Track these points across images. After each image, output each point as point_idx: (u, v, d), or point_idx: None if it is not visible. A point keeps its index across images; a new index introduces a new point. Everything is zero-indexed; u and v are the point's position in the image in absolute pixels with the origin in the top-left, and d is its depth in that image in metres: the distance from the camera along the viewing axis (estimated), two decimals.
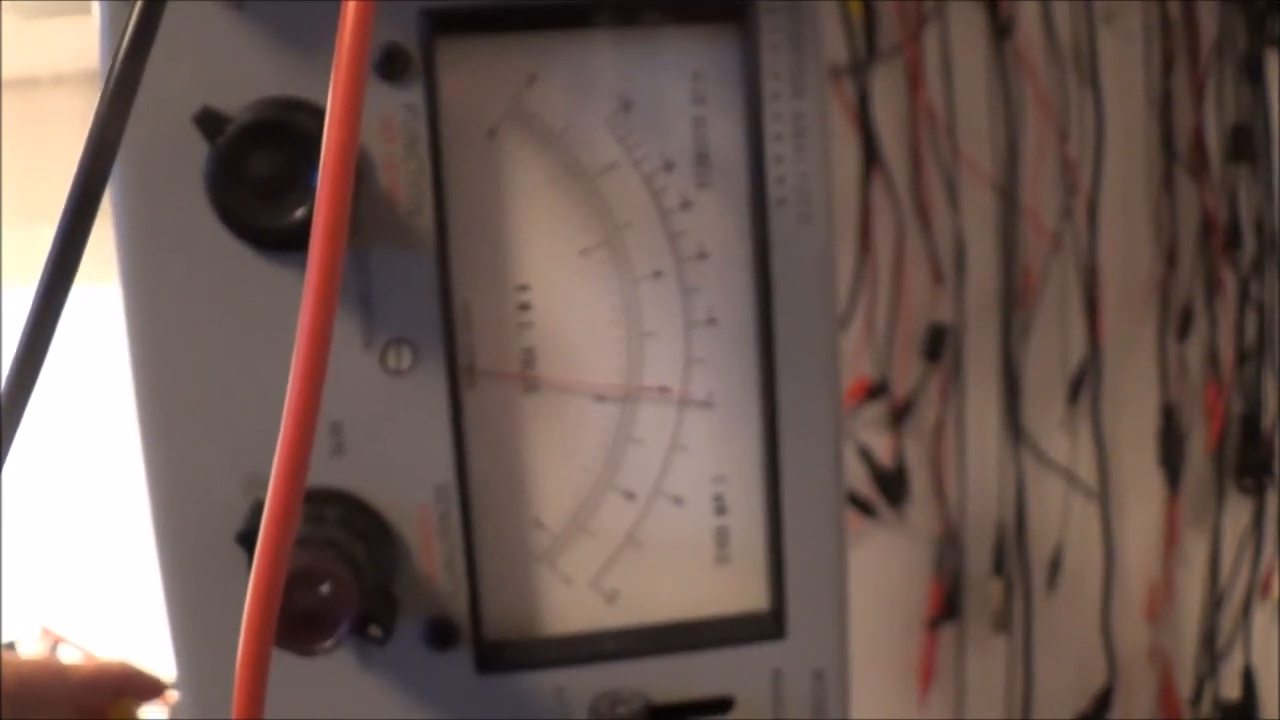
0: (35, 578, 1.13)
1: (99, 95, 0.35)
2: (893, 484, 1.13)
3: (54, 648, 1.06)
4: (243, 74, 0.44)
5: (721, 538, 0.51)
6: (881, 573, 1.15)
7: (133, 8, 0.34)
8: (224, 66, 0.44)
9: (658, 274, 0.49)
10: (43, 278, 0.34)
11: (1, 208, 1.12)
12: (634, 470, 0.50)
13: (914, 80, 1.09)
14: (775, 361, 0.49)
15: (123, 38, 0.34)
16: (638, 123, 0.48)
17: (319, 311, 0.31)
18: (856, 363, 1.10)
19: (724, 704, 0.50)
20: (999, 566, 1.16)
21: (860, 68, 1.08)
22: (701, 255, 0.49)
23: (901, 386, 1.13)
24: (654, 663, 0.50)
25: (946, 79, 1.10)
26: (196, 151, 0.43)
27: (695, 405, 0.50)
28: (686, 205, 0.49)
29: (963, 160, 1.10)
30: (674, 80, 0.48)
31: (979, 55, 1.10)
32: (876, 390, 1.12)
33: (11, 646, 1.04)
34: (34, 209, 1.13)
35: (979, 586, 1.16)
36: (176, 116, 0.43)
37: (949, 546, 1.15)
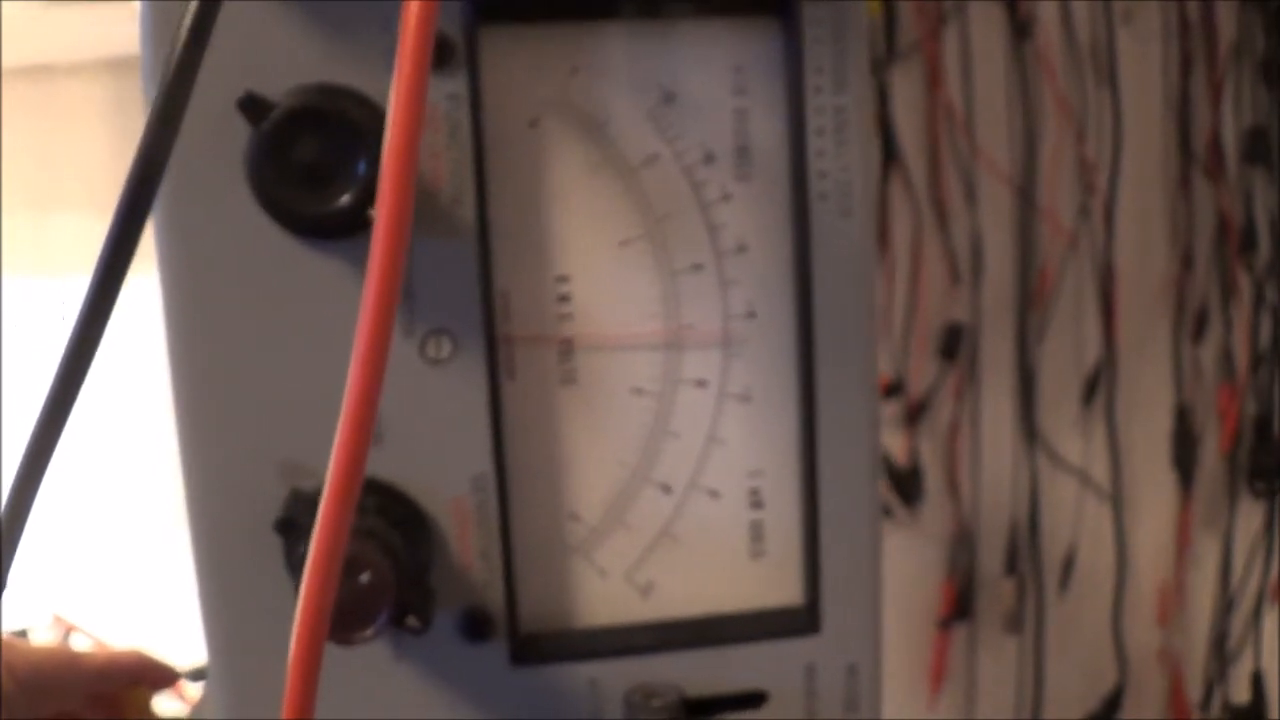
0: (47, 565, 1.13)
1: (148, 101, 0.35)
2: (907, 483, 1.13)
3: (66, 635, 1.06)
4: (285, 61, 0.44)
5: (757, 532, 0.51)
6: (894, 572, 1.14)
7: (178, 9, 0.34)
8: (266, 52, 0.44)
9: (697, 266, 0.48)
10: (93, 279, 0.34)
11: (14, 195, 1.11)
12: (670, 463, 0.50)
13: (933, 79, 1.09)
14: (814, 355, 0.49)
15: (174, 44, 0.34)
16: (679, 115, 0.48)
17: (381, 305, 0.31)
18: (877, 360, 1.10)
19: (757, 698, 0.50)
20: (1011, 567, 1.16)
21: (879, 66, 1.08)
22: (741, 248, 0.49)
23: (917, 385, 1.13)
24: (688, 656, 0.50)
25: (965, 78, 1.10)
26: (237, 138, 0.43)
27: (733, 398, 0.50)
28: (727, 198, 0.48)
29: (981, 159, 1.10)
30: (716, 73, 0.48)
31: (998, 55, 1.10)
32: (892, 389, 1.12)
33: (24, 634, 1.04)
34: (46, 197, 1.13)
35: (991, 586, 1.16)
36: (217, 102, 0.42)
37: (962, 546, 1.15)
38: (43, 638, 1.05)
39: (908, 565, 1.15)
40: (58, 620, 1.07)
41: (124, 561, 1.14)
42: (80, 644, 1.05)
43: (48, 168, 1.13)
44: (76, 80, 1.12)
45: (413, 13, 0.31)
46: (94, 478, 1.13)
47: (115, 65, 1.10)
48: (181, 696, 0.89)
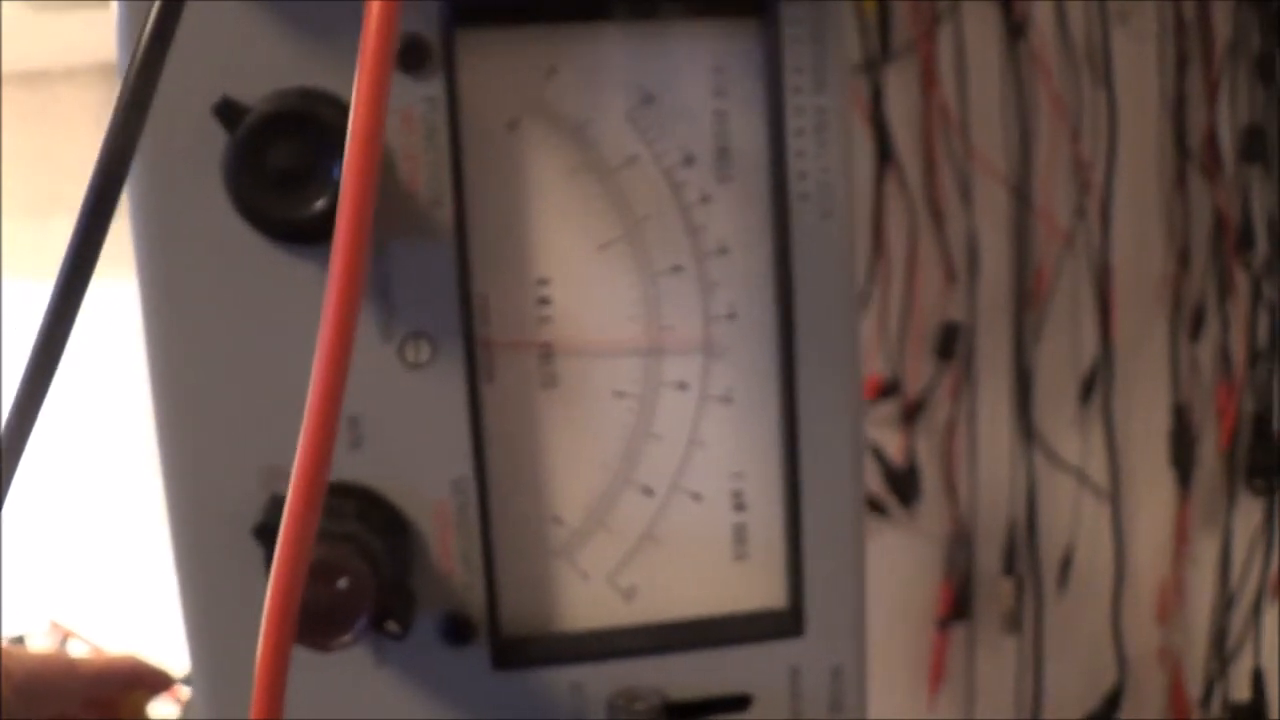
0: (44, 572, 1.13)
1: (116, 97, 0.35)
2: (904, 483, 1.13)
3: (63, 642, 1.06)
4: (261, 65, 0.44)
5: (740, 534, 0.51)
6: (892, 572, 1.14)
7: (150, 9, 0.34)
8: (242, 57, 0.44)
9: (677, 268, 0.48)
10: (60, 275, 0.34)
11: (14, 200, 1.12)
12: (652, 466, 0.49)
13: (928, 79, 1.09)
14: (795, 357, 0.48)
15: (139, 40, 0.34)
16: (658, 116, 0.48)
17: (342, 307, 0.31)
18: (869, 361, 1.10)
19: (741, 701, 0.50)
20: (1010, 566, 1.15)
21: (874, 66, 1.08)
22: (722, 250, 0.49)
23: (913, 385, 1.12)
24: (671, 659, 0.49)
25: (960, 78, 1.10)
26: (214, 143, 0.43)
27: (714, 400, 0.49)
28: (707, 200, 0.48)
29: (976, 159, 1.10)
30: (695, 74, 0.48)
31: (993, 54, 1.10)
32: (889, 389, 1.12)
33: (21, 640, 1.04)
34: (45, 201, 1.13)
35: (989, 586, 1.16)
36: (194, 107, 0.43)
37: (960, 546, 1.15)
38: (40, 644, 1.05)
39: (905, 565, 1.15)
40: (54, 626, 1.07)
41: (120, 568, 1.14)
42: (77, 650, 1.05)
43: (45, 172, 1.13)
44: (72, 85, 1.12)
45: (374, 12, 0.31)
46: (90, 484, 1.13)
47: (110, 70, 1.10)
48: (177, 701, 0.89)
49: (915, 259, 1.10)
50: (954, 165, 1.10)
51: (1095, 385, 1.15)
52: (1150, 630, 1.20)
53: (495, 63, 0.46)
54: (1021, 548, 1.16)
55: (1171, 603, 1.19)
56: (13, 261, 1.13)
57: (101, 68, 1.11)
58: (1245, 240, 1.14)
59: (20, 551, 1.10)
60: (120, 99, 0.33)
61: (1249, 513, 1.18)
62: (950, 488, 1.14)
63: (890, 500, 1.14)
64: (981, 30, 1.10)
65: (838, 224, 0.48)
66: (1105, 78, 1.11)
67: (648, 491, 0.50)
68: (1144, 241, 1.15)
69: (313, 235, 0.43)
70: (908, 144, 1.10)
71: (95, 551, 1.15)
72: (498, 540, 0.48)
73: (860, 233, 1.08)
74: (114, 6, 0.45)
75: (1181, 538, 1.18)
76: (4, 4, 0.90)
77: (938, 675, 1.16)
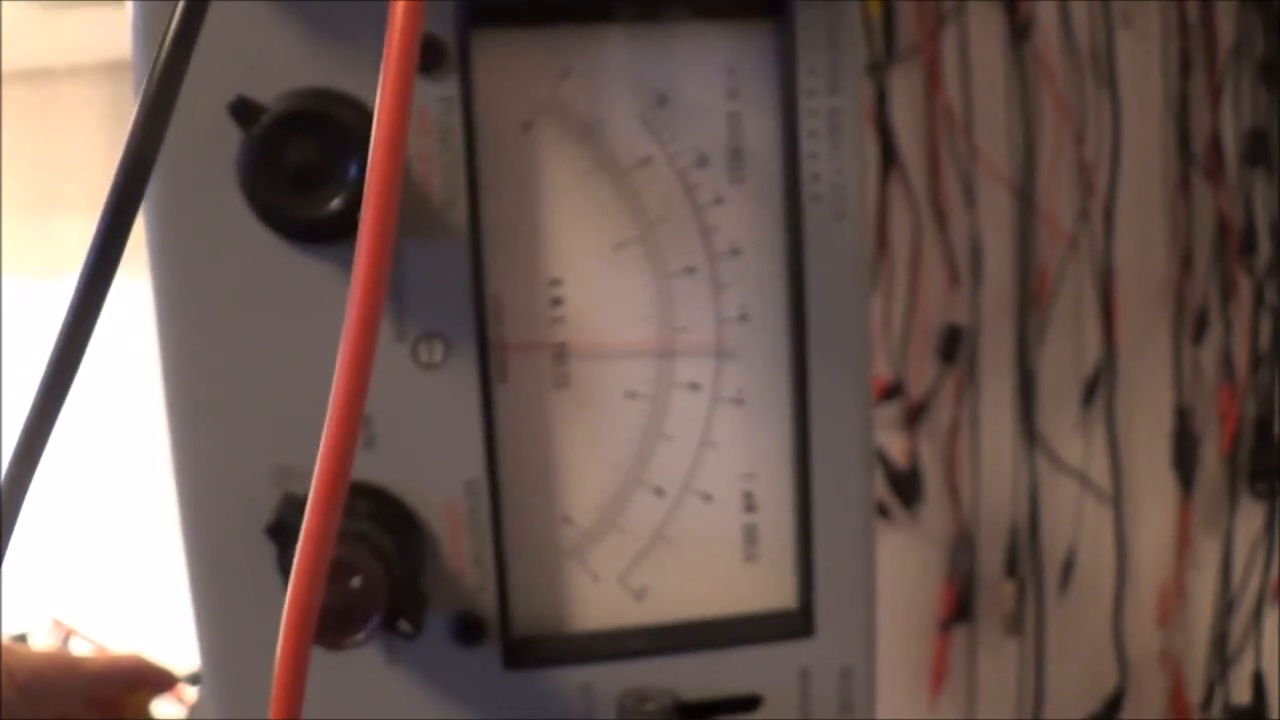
0: (47, 570, 1.13)
1: (137, 99, 0.34)
2: (907, 485, 1.12)
3: (65, 640, 1.06)
4: (277, 64, 0.44)
5: (750, 535, 0.51)
6: (894, 574, 1.14)
7: (169, 9, 0.34)
8: (257, 57, 0.44)
9: (690, 270, 0.48)
10: (81, 277, 0.34)
11: (15, 198, 1.11)
12: (664, 466, 0.50)
13: (932, 81, 1.09)
14: (807, 359, 0.49)
15: (163, 42, 0.34)
16: (672, 117, 0.48)
17: (365, 312, 0.31)
18: (872, 363, 1.10)
19: (752, 702, 0.50)
20: (1012, 568, 1.15)
21: (879, 68, 1.08)
22: (734, 251, 0.49)
23: (916, 387, 1.12)
24: (682, 660, 0.50)
25: (964, 80, 1.10)
26: (229, 142, 0.43)
27: (726, 402, 0.50)
28: (720, 201, 0.48)
29: (980, 161, 1.10)
30: (709, 75, 0.48)
31: (997, 56, 1.10)
32: (892, 391, 1.12)
33: (23, 638, 1.04)
34: (46, 200, 1.13)
35: (991, 588, 1.16)
36: (209, 107, 0.43)
37: (962, 548, 1.15)
38: (42, 642, 1.05)
39: (908, 567, 1.15)
40: (57, 625, 1.07)
41: (123, 566, 1.14)
42: (80, 648, 1.05)
43: (48, 170, 1.13)
44: (76, 83, 1.12)
45: (399, 12, 0.31)
46: (93, 482, 1.13)
47: (114, 68, 1.10)
48: (180, 700, 0.89)
49: (919, 261, 1.10)
50: (958, 167, 1.10)
51: (1098, 388, 1.15)
52: (1151, 633, 1.20)
53: (510, 64, 0.47)
54: (1023, 550, 1.15)
55: (1173, 606, 1.19)
56: (13, 260, 1.13)
57: (105, 66, 1.11)
58: (1248, 244, 1.14)
59: (22, 548, 1.10)
60: (143, 101, 0.33)
61: (1250, 516, 1.18)
62: (953, 490, 1.14)
63: (893, 502, 1.13)
64: (986, 32, 1.10)
65: (850, 226, 0.48)
66: (1109, 80, 1.11)
67: (659, 492, 0.50)
68: (1147, 244, 1.15)
69: (327, 234, 0.43)
70: (912, 146, 1.10)
71: (98, 549, 1.15)
72: (509, 540, 0.48)
73: None
74: (128, 6, 0.45)
75: (1183, 541, 1.18)
76: (8, 1, 0.89)
77: (939, 677, 1.16)
